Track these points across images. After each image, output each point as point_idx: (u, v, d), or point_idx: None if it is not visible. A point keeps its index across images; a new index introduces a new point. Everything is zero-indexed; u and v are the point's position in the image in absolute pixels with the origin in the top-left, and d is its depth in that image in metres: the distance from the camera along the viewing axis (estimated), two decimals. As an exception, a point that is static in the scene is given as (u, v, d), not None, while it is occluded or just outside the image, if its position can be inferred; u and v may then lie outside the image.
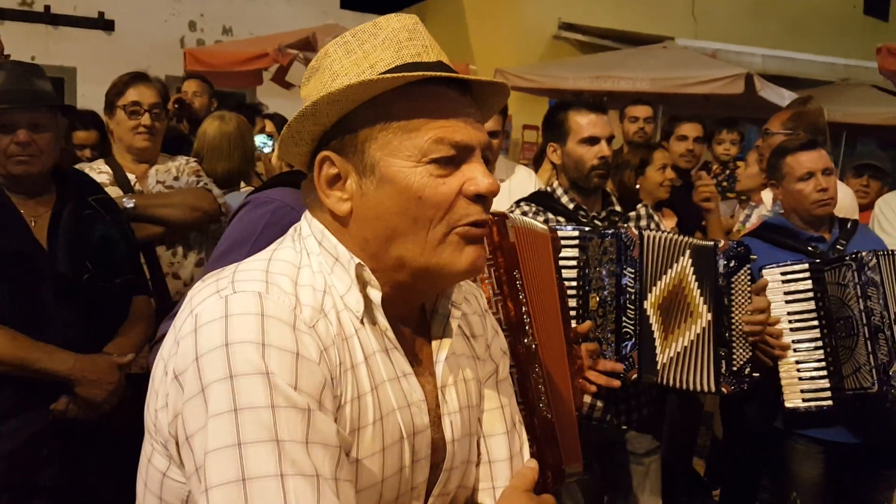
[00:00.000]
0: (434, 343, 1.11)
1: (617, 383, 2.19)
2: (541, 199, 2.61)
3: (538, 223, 1.98)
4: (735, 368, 2.35)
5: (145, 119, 2.93)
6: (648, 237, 2.33)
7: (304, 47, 6.97)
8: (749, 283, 2.39)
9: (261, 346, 0.88)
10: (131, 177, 2.96)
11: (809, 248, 2.69)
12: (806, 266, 2.57)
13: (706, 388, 2.35)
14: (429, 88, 0.99)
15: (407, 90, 0.98)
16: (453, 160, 0.99)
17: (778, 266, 2.59)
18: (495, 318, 1.59)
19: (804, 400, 2.53)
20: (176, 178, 3.05)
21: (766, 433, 2.74)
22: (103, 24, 9.44)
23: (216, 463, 0.85)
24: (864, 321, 2.46)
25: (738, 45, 9.43)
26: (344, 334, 0.98)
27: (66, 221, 2.26)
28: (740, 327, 2.37)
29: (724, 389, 2.35)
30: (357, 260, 1.01)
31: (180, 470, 0.95)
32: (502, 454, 1.18)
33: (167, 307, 2.85)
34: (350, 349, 0.98)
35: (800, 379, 2.54)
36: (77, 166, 2.87)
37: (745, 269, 2.38)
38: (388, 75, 0.97)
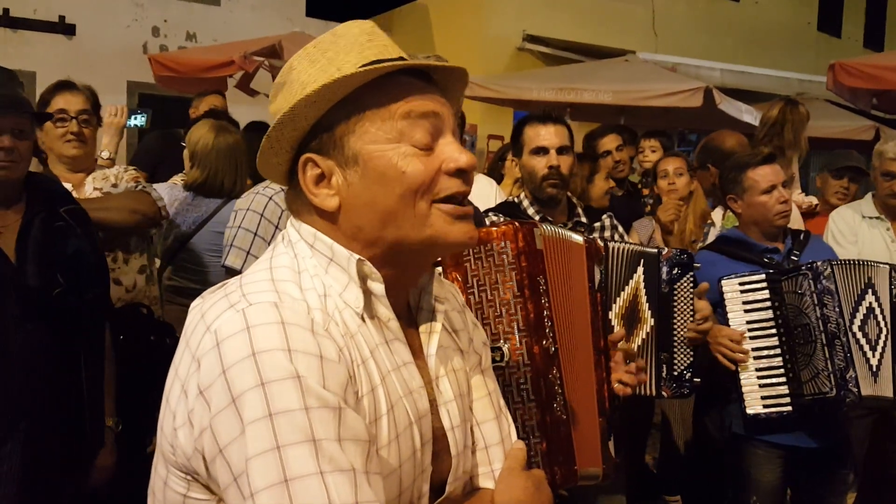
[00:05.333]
0: (423, 336, 1.16)
1: (644, 378, 2.16)
2: (508, 210, 2.65)
3: (574, 234, 2.00)
4: (676, 373, 2.40)
5: (72, 126, 2.86)
6: (613, 249, 2.37)
7: (270, 55, 6.93)
8: (692, 289, 2.43)
9: (288, 351, 0.92)
10: (68, 186, 2.86)
11: (765, 259, 2.76)
12: (763, 276, 2.64)
13: (648, 392, 2.40)
14: (395, 79, 1.05)
15: (375, 84, 1.04)
16: (429, 137, 1.04)
17: (736, 276, 2.66)
18: (512, 319, 1.67)
19: (764, 406, 2.60)
20: (114, 186, 2.96)
21: (726, 439, 2.81)
22: (63, 28, 9.28)
23: (258, 467, 0.89)
24: (822, 328, 2.53)
25: (698, 59, 9.64)
26: (350, 332, 1.02)
27: (36, 232, 2.16)
28: (682, 333, 2.42)
29: (664, 393, 2.41)
30: (357, 256, 1.04)
31: (203, 487, 0.97)
32: (495, 438, 1.23)
33: (109, 315, 2.77)
34: (357, 346, 1.02)
35: (760, 386, 2.61)
36: None
37: (687, 276, 2.42)
38: (359, 69, 1.02)
